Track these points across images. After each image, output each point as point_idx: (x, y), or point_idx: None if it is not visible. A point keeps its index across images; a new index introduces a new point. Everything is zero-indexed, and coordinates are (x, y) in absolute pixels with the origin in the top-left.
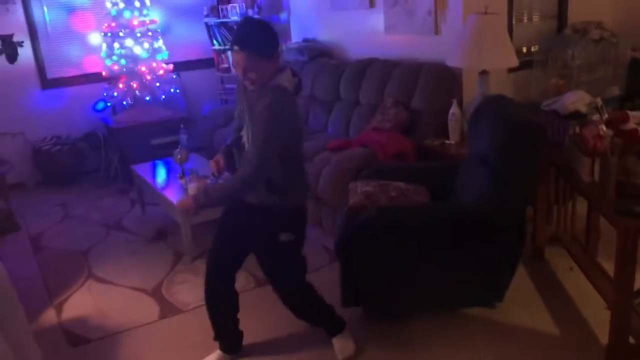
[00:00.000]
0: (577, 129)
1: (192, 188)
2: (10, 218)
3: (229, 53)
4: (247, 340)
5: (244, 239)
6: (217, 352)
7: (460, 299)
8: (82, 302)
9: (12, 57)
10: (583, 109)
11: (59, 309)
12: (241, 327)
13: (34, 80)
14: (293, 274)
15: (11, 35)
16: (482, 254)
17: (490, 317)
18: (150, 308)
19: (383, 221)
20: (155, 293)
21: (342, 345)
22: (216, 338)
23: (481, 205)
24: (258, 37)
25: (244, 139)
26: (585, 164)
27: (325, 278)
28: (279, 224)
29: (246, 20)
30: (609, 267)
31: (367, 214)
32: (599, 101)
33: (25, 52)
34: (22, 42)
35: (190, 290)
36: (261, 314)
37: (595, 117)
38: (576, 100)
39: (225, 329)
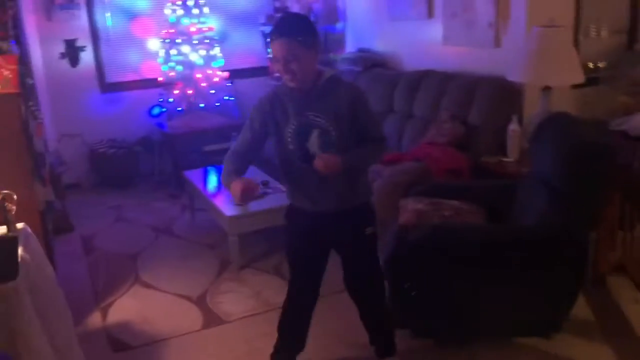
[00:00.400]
0: None
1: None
2: (66, 218)
3: None
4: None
5: (331, 241)
6: None
7: (515, 327)
8: (127, 307)
9: (75, 61)
10: None
11: (104, 313)
12: None
13: (94, 84)
14: (376, 268)
15: (75, 40)
16: (541, 281)
17: (546, 349)
18: (193, 317)
19: (435, 241)
20: (200, 301)
21: None
22: (277, 351)
23: (542, 228)
24: (297, 25)
25: (314, 149)
26: None
27: None
28: (364, 218)
29: (284, 14)
30: None
31: (419, 234)
32: None
33: (87, 57)
34: (85, 46)
35: (234, 301)
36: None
37: None
38: None
39: (294, 340)
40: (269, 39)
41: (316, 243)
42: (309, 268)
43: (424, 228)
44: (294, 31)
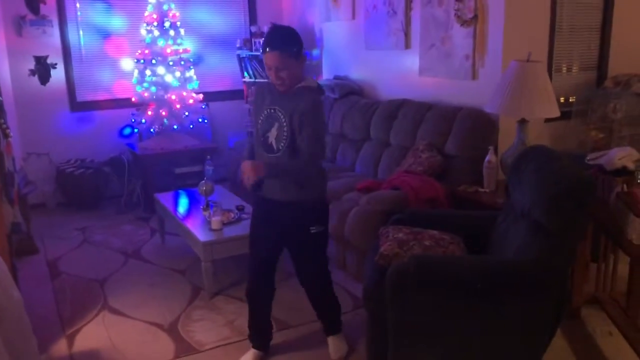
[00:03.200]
0: (625, 187)
1: (216, 222)
2: (30, 240)
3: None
4: None
5: (280, 235)
6: (251, 351)
7: None
8: (95, 335)
9: (45, 78)
10: (631, 165)
11: (70, 340)
12: None
13: (64, 102)
14: (321, 264)
15: (46, 57)
16: (522, 315)
17: None
18: (165, 346)
19: (420, 273)
20: (171, 329)
21: (337, 344)
22: (251, 336)
23: (525, 262)
24: (288, 38)
25: (271, 139)
26: (636, 225)
27: (348, 325)
28: (311, 217)
29: (275, 26)
30: None
31: (403, 264)
32: None
33: (58, 74)
34: (56, 64)
35: (207, 329)
36: None
37: None
38: (624, 156)
39: (262, 323)
40: (262, 51)
41: (269, 227)
42: (261, 247)
43: (407, 258)
44: (285, 44)
